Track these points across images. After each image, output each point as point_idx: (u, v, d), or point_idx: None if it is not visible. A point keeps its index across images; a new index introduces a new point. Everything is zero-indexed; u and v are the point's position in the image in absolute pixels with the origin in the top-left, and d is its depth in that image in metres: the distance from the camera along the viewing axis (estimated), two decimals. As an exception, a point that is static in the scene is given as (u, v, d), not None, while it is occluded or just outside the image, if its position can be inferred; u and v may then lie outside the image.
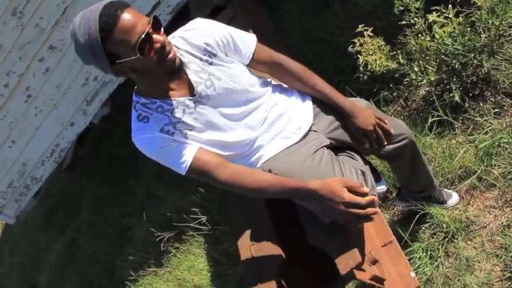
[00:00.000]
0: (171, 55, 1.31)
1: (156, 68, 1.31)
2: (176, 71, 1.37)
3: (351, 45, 2.25)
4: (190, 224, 2.75)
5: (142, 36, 1.23)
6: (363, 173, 1.44)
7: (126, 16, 1.22)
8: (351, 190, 1.34)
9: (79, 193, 4.87)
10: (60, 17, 3.24)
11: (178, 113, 1.43)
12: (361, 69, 2.27)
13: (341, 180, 1.36)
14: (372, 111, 1.59)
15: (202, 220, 2.72)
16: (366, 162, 1.64)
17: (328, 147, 1.55)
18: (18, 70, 3.48)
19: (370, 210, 1.33)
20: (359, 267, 1.33)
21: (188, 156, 1.42)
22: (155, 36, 1.27)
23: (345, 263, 1.31)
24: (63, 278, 4.41)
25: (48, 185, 4.81)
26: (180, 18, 3.36)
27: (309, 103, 1.62)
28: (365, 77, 2.29)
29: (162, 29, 1.32)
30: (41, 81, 3.57)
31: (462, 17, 2.11)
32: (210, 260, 2.88)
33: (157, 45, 1.27)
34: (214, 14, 2.94)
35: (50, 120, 3.82)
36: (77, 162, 4.74)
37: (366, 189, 1.35)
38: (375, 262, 1.44)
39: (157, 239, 3.03)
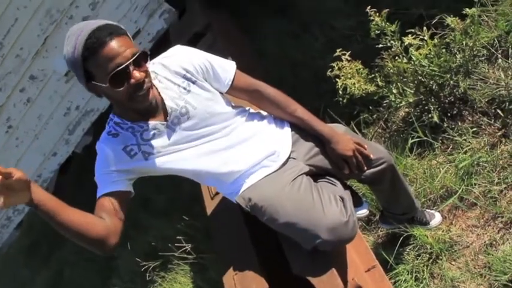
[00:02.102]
0: (149, 96, 1.33)
1: (125, 102, 1.33)
2: (146, 111, 1.40)
3: (330, 70, 2.28)
4: (175, 254, 2.71)
5: (118, 68, 1.24)
6: (342, 199, 1.44)
7: (113, 44, 1.23)
8: None
9: (63, 223, 4.78)
10: (40, 48, 3.25)
11: (147, 136, 1.44)
12: (340, 92, 2.29)
13: None
14: (351, 137, 1.60)
15: (187, 249, 2.69)
16: (347, 187, 1.65)
17: (308, 173, 1.55)
18: (-1, 101, 3.46)
19: None
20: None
21: (105, 190, 1.41)
22: (134, 72, 1.27)
23: (327, 291, 1.30)
24: (48, 311, 4.31)
25: (31, 216, 4.71)
26: (160, 46, 3.39)
27: (287, 130, 1.62)
28: (344, 101, 2.31)
29: (147, 65, 1.33)
30: (22, 112, 3.55)
31: (437, 39, 2.15)
32: (196, 289, 2.83)
33: (133, 81, 1.27)
34: (194, 41, 2.96)
35: (31, 150, 3.78)
36: (60, 192, 4.68)
37: None
38: (358, 288, 1.43)
39: (143, 269, 2.98)
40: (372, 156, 1.58)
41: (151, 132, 1.43)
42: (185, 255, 2.75)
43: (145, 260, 2.99)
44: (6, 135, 3.66)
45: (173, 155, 1.47)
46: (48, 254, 4.82)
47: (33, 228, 5.25)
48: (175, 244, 2.77)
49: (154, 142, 1.44)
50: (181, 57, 1.48)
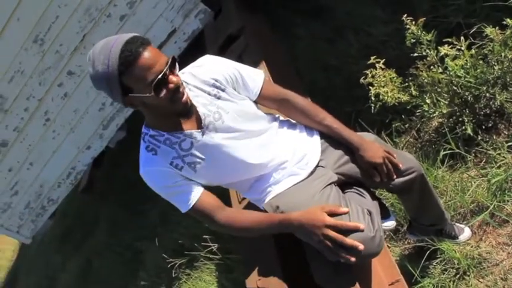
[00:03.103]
0: (184, 98, 1.34)
1: (166, 107, 1.34)
2: (184, 112, 1.41)
3: (363, 77, 2.26)
4: (201, 253, 2.75)
5: (159, 76, 1.26)
6: (370, 213, 1.43)
7: (147, 54, 1.25)
8: (332, 214, 1.37)
9: (94, 215, 4.93)
10: (79, 44, 3.34)
11: (186, 146, 1.45)
12: (373, 99, 2.27)
13: (321, 207, 1.39)
14: (380, 145, 1.59)
15: (213, 248, 2.72)
16: (375, 198, 1.64)
17: (336, 182, 1.55)
18: (38, 95, 3.59)
19: (349, 240, 1.32)
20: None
21: (193, 198, 1.45)
22: (171, 77, 1.30)
23: (349, 304, 1.30)
24: (77, 299, 4.45)
25: (64, 206, 4.88)
26: (195, 45, 3.43)
27: (316, 138, 1.63)
28: (377, 108, 2.28)
29: (177, 70, 1.35)
30: (59, 106, 3.67)
31: (474, 49, 2.10)
32: (221, 288, 2.87)
33: (172, 85, 1.29)
34: (227, 42, 2.98)
35: (67, 143, 3.91)
36: (92, 185, 4.80)
37: (345, 210, 1.38)
38: (380, 302, 1.43)
39: (169, 265, 3.04)
40: (401, 165, 1.57)
41: (189, 141, 1.44)
42: (211, 255, 2.78)
43: (172, 257, 3.05)
44: (44, 128, 3.79)
45: (213, 161, 1.48)
46: (79, 243, 4.97)
47: (66, 218, 5.42)
48: (202, 243, 2.81)
49: (194, 151, 1.45)
50: (211, 67, 1.50)
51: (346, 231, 1.34)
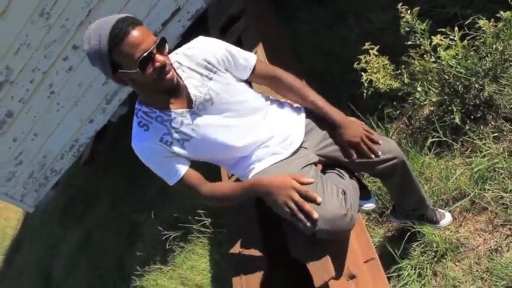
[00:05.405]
0: (168, 76, 1.41)
1: (152, 84, 1.42)
2: (172, 90, 1.48)
3: (357, 62, 2.30)
4: (194, 226, 2.84)
5: (145, 54, 1.34)
6: (344, 192, 1.50)
7: (135, 33, 1.34)
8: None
9: (96, 187, 5.03)
10: (84, 19, 3.40)
11: (176, 124, 1.52)
12: (365, 85, 2.32)
13: (289, 174, 1.50)
14: (361, 123, 1.66)
15: (205, 223, 2.81)
16: (356, 179, 1.71)
17: (317, 163, 1.62)
18: (43, 67, 3.66)
19: (307, 206, 1.41)
20: (335, 280, 1.39)
21: (179, 172, 1.55)
22: (157, 56, 1.37)
23: (320, 275, 1.38)
24: (76, 268, 4.57)
25: (67, 178, 4.98)
26: (198, 25, 3.48)
27: (302, 120, 1.69)
28: (369, 93, 2.33)
29: (167, 50, 1.42)
30: (64, 79, 3.74)
31: (467, 41, 2.14)
32: (212, 262, 2.96)
33: (157, 64, 1.37)
34: (229, 23, 3.02)
35: (70, 116, 3.99)
36: (94, 158, 4.91)
37: (309, 180, 1.48)
38: (352, 277, 1.50)
39: (164, 238, 3.14)
40: (380, 141, 1.63)
41: (180, 120, 1.52)
42: (203, 229, 2.88)
43: (167, 230, 3.15)
44: (48, 100, 3.87)
45: (201, 139, 1.55)
46: (80, 214, 5.09)
47: (69, 190, 5.53)
48: (196, 217, 2.90)
49: (183, 129, 1.53)
50: (204, 49, 1.56)
51: (306, 198, 1.44)
